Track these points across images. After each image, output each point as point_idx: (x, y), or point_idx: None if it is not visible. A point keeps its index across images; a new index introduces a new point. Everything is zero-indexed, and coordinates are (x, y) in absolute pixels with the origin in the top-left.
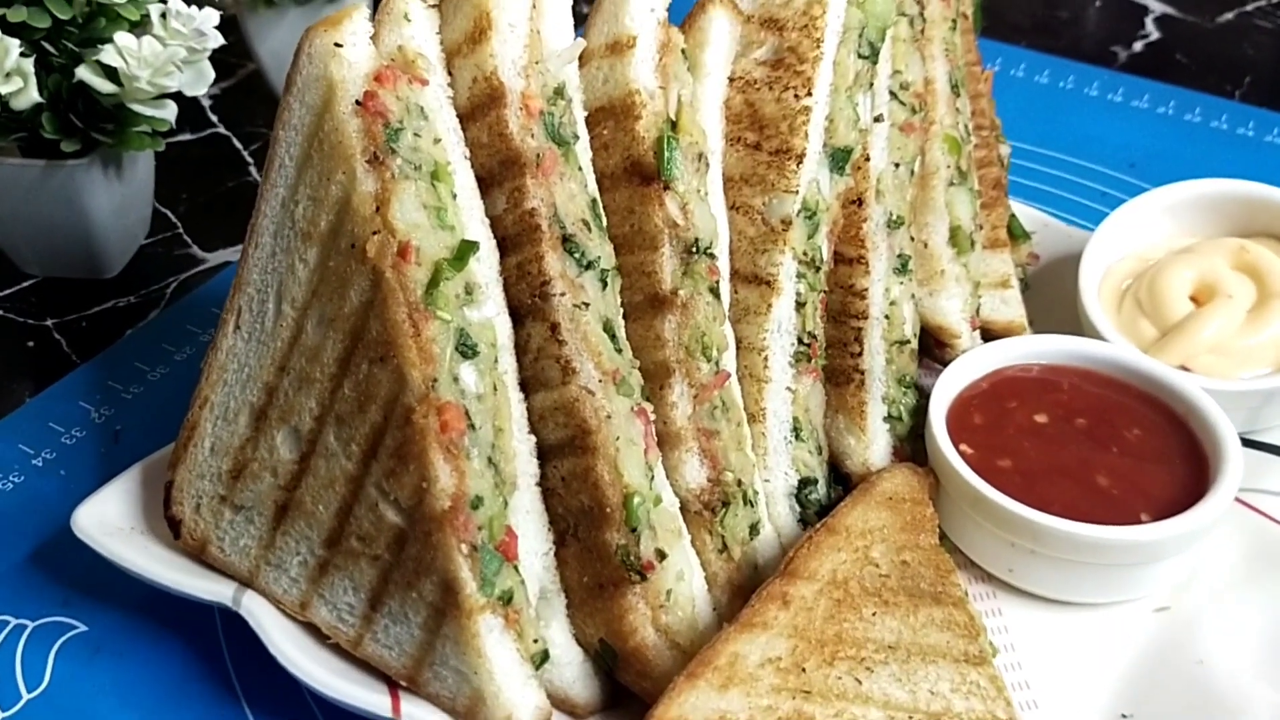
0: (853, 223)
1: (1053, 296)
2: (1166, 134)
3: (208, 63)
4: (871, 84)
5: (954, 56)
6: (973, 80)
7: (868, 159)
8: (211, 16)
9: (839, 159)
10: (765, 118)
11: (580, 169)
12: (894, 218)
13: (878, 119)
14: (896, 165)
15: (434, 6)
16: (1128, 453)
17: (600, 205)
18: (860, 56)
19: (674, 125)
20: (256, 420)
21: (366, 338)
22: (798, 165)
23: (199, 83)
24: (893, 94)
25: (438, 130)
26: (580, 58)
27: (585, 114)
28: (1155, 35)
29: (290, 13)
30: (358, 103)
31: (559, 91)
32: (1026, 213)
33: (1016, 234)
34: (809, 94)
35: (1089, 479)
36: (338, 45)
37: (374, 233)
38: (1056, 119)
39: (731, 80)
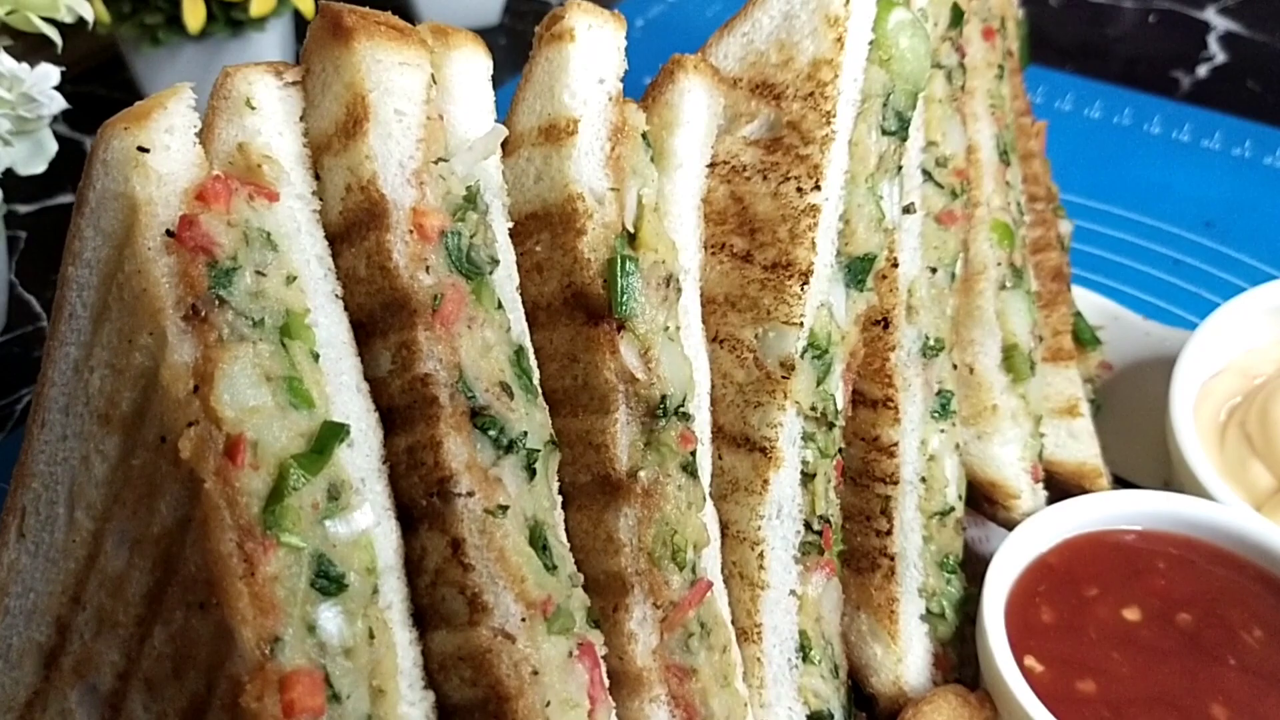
0: (877, 352)
1: (1132, 419)
2: (1246, 182)
3: (48, 132)
4: (900, 167)
5: (1001, 113)
6: (1022, 136)
7: (895, 265)
8: (50, 75)
9: (858, 271)
10: (758, 217)
11: (499, 306)
12: (931, 342)
13: (907, 209)
14: (933, 270)
15: (293, 84)
16: (1250, 666)
17: (530, 354)
18: (885, 133)
19: (631, 239)
20: (45, 667)
21: (182, 572)
22: (802, 286)
23: (36, 157)
24: (926, 174)
25: (292, 263)
26: (505, 142)
27: (511, 222)
28: (1221, 57)
29: (185, 50)
30: (169, 233)
31: (470, 198)
32: (1090, 302)
33: (1084, 339)
34: (817, 187)
35: (1200, 711)
36: (142, 150)
37: (190, 424)
38: (1113, 164)
39: (713, 166)
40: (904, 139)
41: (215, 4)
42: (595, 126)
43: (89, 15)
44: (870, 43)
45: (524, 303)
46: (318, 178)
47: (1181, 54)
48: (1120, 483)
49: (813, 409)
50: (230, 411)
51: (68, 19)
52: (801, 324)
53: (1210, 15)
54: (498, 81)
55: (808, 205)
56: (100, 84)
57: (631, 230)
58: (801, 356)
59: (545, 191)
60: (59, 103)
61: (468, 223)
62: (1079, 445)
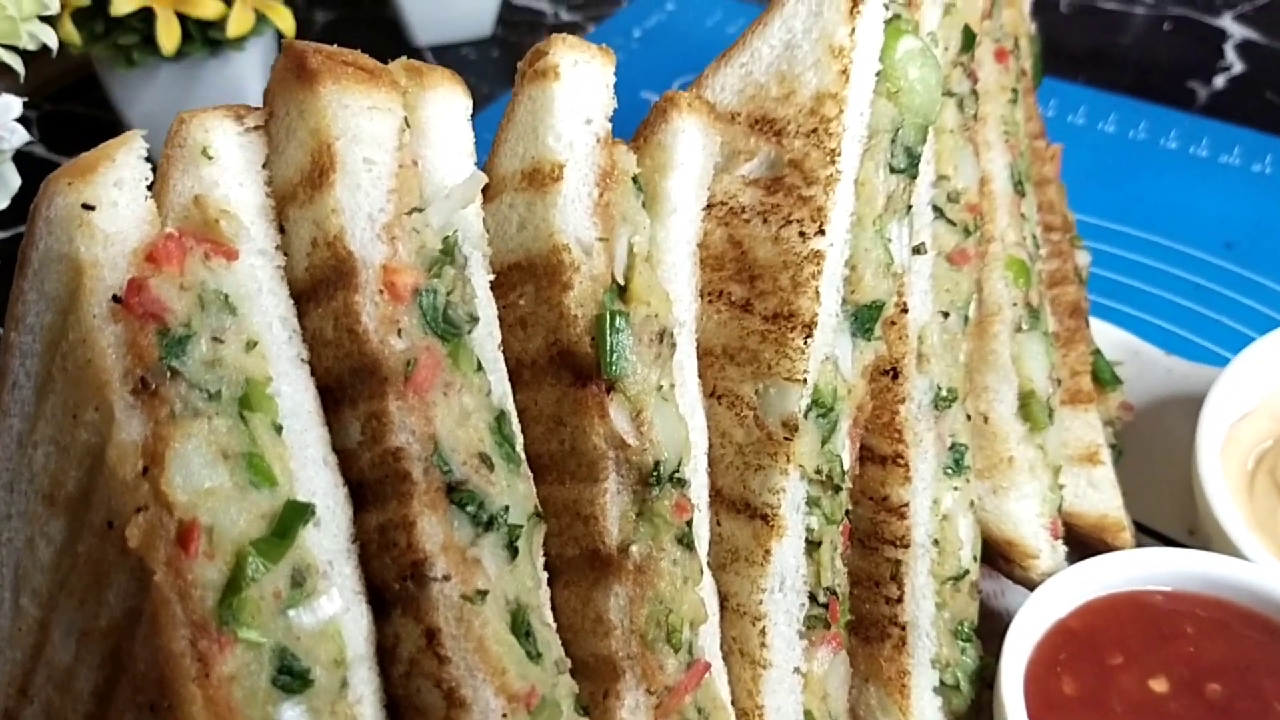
0: (885, 404)
1: (1155, 463)
2: (1268, 200)
3: (10, 166)
4: (909, 206)
5: (1015, 140)
6: (1036, 161)
7: (905, 310)
8: (10, 107)
9: (865, 320)
10: (758, 264)
11: (478, 368)
12: (943, 392)
13: (917, 250)
14: (945, 314)
15: (256, 129)
16: None
17: (512, 418)
18: (893, 171)
19: (622, 291)
20: None
21: (132, 670)
22: (805, 338)
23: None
24: (937, 210)
25: (253, 327)
26: (486, 187)
27: (493, 274)
28: (1239, 67)
29: (162, 71)
30: (116, 299)
31: (448, 251)
32: (1107, 336)
33: (1104, 379)
34: (820, 232)
35: None
36: (88, 208)
37: (139, 509)
38: (1128, 182)
39: (709, 207)
40: (914, 176)
41: (192, 24)
42: (582, 171)
43: (53, 42)
44: (877, 74)
45: (507, 360)
46: (282, 230)
47: (1197, 63)
48: (1142, 530)
49: (817, 472)
50: (182, 495)
51: (31, 46)
52: (805, 380)
53: (1226, 22)
54: (491, 96)
55: (811, 251)
56: (79, 101)
57: (622, 282)
58: (805, 416)
59: (529, 241)
60: (20, 136)
61: (444, 278)
62: (1100, 496)
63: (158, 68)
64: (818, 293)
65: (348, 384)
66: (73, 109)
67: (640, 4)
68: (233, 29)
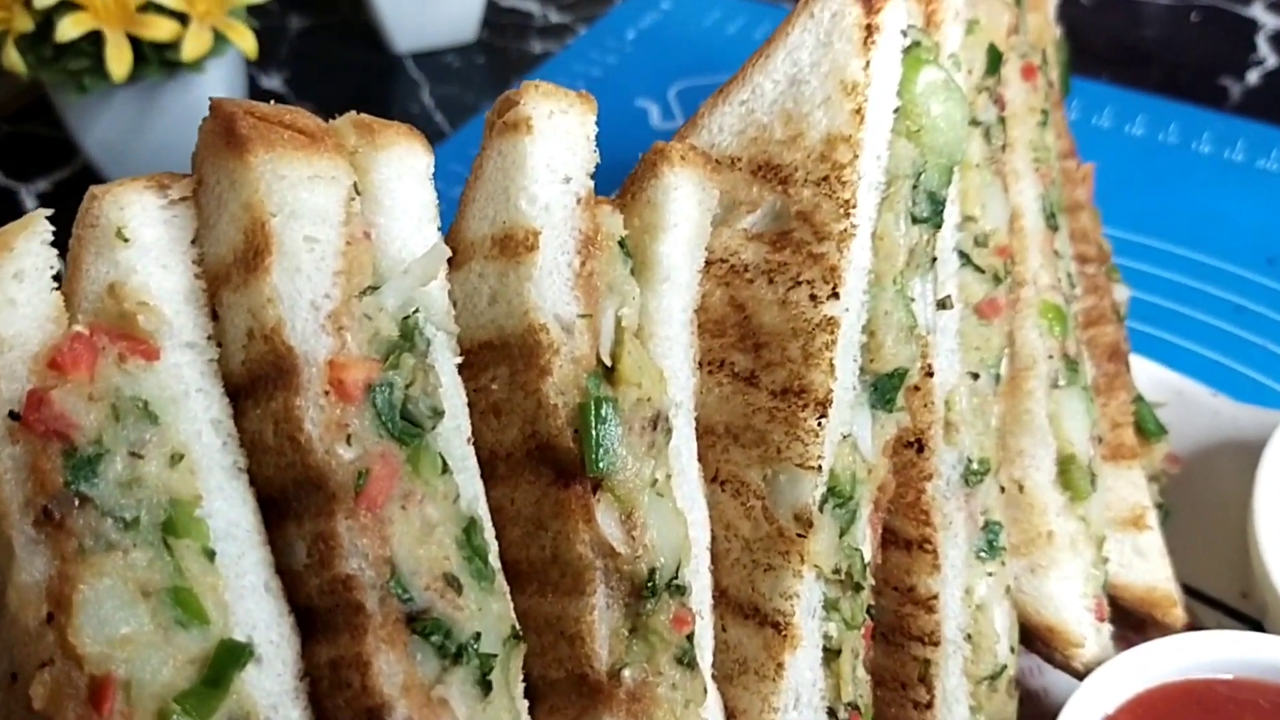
0: (910, 481)
1: (1203, 518)
2: None
3: None
4: (934, 259)
5: (1046, 168)
6: (1067, 184)
7: (930, 374)
8: None
9: (886, 390)
10: (764, 330)
11: (444, 470)
12: (974, 465)
13: (943, 304)
14: (975, 375)
15: (182, 201)
16: None
17: (485, 525)
18: (916, 220)
19: (609, 373)
20: None
21: None
22: (819, 418)
23: None
24: (964, 257)
25: (179, 436)
26: (454, 251)
27: (461, 354)
28: (1273, 61)
29: (117, 96)
30: (14, 415)
31: (407, 335)
32: (1147, 374)
33: (1148, 430)
34: (834, 295)
35: None
36: None
37: (44, 663)
38: (1159, 188)
39: (708, 265)
40: (938, 225)
41: (146, 46)
42: (560, 238)
43: None
44: (896, 111)
45: (479, 451)
46: (216, 317)
47: (1229, 58)
48: (1190, 593)
49: (835, 571)
50: (93, 645)
51: None
52: (819, 467)
53: (1258, 11)
54: (475, 107)
55: (823, 318)
56: (39, 122)
57: (609, 363)
58: (820, 508)
59: (502, 317)
60: None
61: (402, 369)
62: (1148, 566)
63: (112, 93)
64: (832, 365)
65: (291, 496)
66: (34, 130)
67: (634, 3)
68: (188, 51)
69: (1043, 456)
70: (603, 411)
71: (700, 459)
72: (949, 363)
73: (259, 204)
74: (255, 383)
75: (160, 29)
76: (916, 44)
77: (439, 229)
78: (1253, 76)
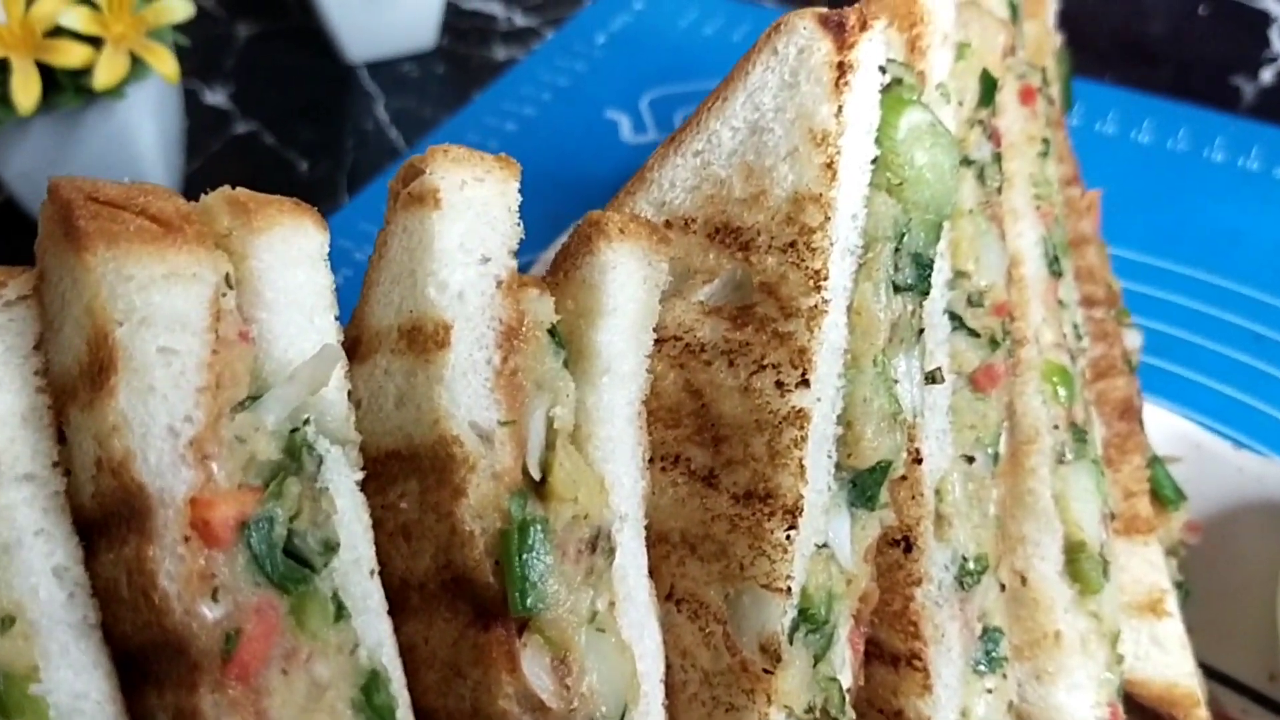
0: (896, 587)
1: (1225, 593)
2: None
3: None
4: (920, 330)
5: (1049, 205)
6: (1071, 215)
7: (918, 461)
8: None
9: (867, 486)
10: (724, 421)
11: (339, 616)
12: (970, 564)
13: (931, 379)
14: (970, 459)
15: (20, 301)
16: None
17: (391, 675)
18: (899, 289)
19: (539, 487)
20: None
21: None
22: (788, 530)
23: None
24: (956, 320)
25: (11, 594)
26: (357, 340)
27: (363, 470)
28: None
29: (34, 125)
30: None
31: (294, 453)
32: (1161, 426)
33: (1166, 497)
34: (804, 382)
35: None
36: None
37: None
38: (1167, 202)
39: (660, 343)
40: (925, 292)
41: (61, 73)
42: (477, 330)
43: None
44: (874, 162)
45: (389, 578)
46: (64, 439)
47: (1241, 54)
48: (1211, 676)
49: (809, 710)
50: None
51: None
52: (788, 589)
53: (1270, 3)
54: (435, 120)
55: (792, 410)
56: None
57: (538, 475)
58: (790, 637)
59: (410, 424)
60: None
61: (286, 498)
62: (1167, 659)
63: (28, 123)
64: (802, 466)
65: (152, 658)
66: None
67: (605, 3)
68: (101, 78)
69: (1048, 544)
70: (529, 539)
71: (653, 573)
72: (940, 446)
73: (102, 311)
74: (108, 520)
75: (71, 55)
76: (898, 81)
77: (337, 318)
78: (1267, 75)
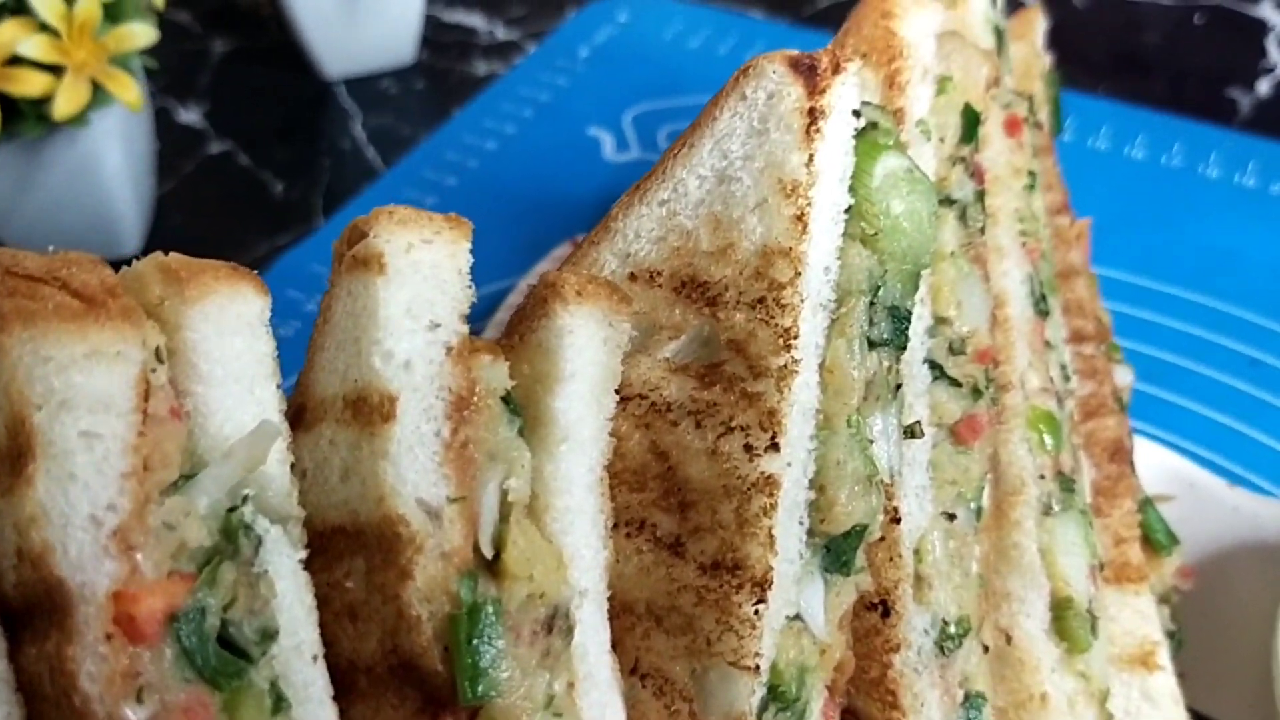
0: (873, 653)
1: (1219, 639)
2: None
3: None
4: (898, 386)
5: (1035, 241)
6: (1060, 246)
7: (897, 520)
8: None
9: (842, 551)
10: (691, 486)
11: (278, 707)
12: (951, 627)
13: (911, 433)
14: (951, 516)
15: None
16: None
17: None
18: (875, 344)
19: (492, 565)
20: None
21: None
22: (757, 603)
23: None
24: (936, 369)
25: None
26: (302, 409)
27: (312, 536)
28: None
29: None
30: None
31: (231, 534)
32: (1152, 463)
33: (1158, 543)
34: (773, 445)
35: None
36: None
37: None
38: (1160, 221)
39: (625, 400)
40: (902, 346)
41: (22, 101)
42: (425, 401)
43: None
44: (848, 211)
45: (335, 659)
46: None
47: (1237, 65)
48: None
49: None
50: None
51: None
52: (756, 666)
53: (1267, 11)
54: (412, 140)
55: (761, 476)
56: None
57: (490, 553)
58: (759, 717)
59: (355, 499)
60: None
61: (220, 585)
62: (1159, 714)
63: None
64: (771, 536)
65: None
66: None
67: (588, 15)
68: (61, 108)
69: (1034, 600)
70: (479, 623)
71: (617, 645)
72: (919, 504)
73: (19, 395)
74: (31, 612)
75: (30, 84)
76: (873, 125)
77: (279, 387)
78: (1263, 86)
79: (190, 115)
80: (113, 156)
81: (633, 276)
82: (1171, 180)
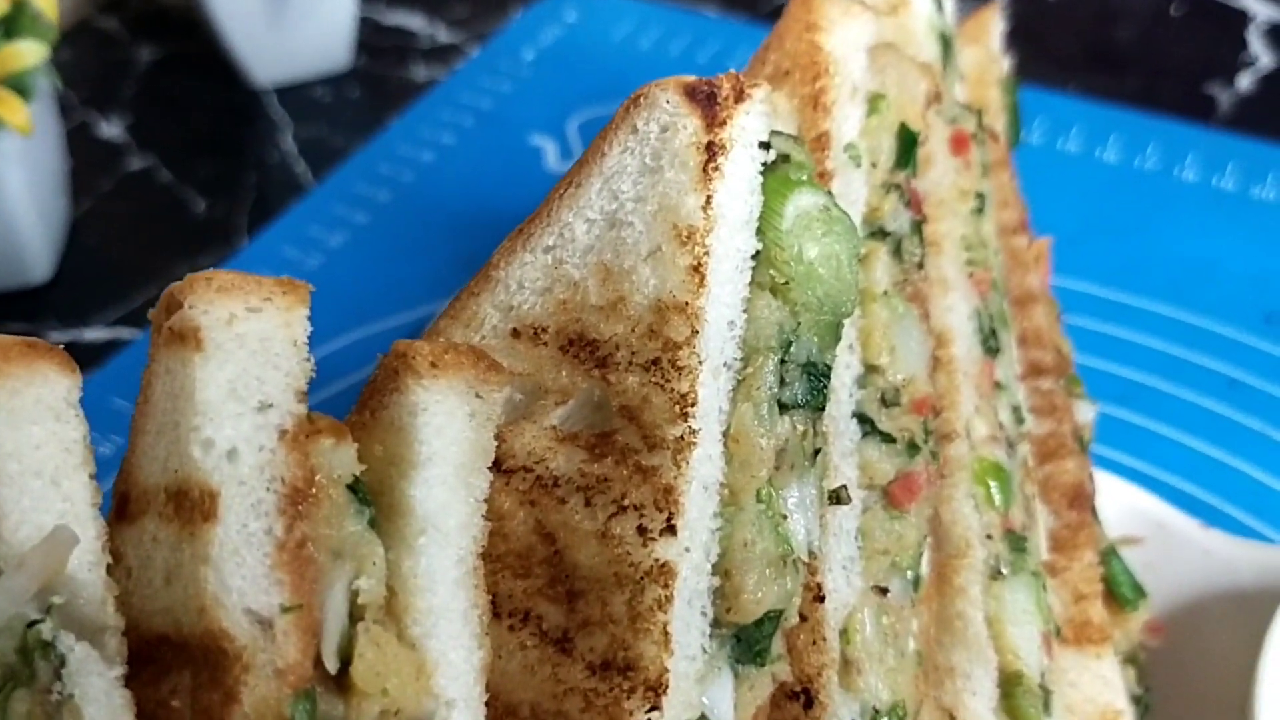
0: None
1: (1190, 700)
2: None
3: None
4: (816, 451)
5: (984, 270)
6: (1016, 270)
7: (820, 599)
8: None
9: (755, 641)
10: (580, 573)
11: None
12: (885, 716)
13: (836, 498)
14: (883, 590)
15: None
16: None
17: None
18: (786, 407)
19: (339, 680)
20: None
21: None
22: (650, 708)
23: None
24: (867, 425)
25: None
26: (128, 495)
27: (136, 643)
28: (1267, 60)
29: None
30: None
31: (28, 653)
32: (1119, 502)
33: (1123, 597)
34: (669, 527)
35: None
36: None
37: None
38: (1133, 231)
39: (509, 473)
40: (820, 407)
41: None
42: (253, 496)
43: None
44: (755, 258)
45: None
46: None
47: (1216, 59)
48: None
49: None
50: None
51: None
52: None
53: (1249, 1)
54: (346, 150)
55: (654, 564)
56: None
57: (334, 667)
58: None
59: (179, 607)
60: None
61: (12, 713)
62: None
63: None
64: (667, 633)
65: None
66: None
67: (534, 15)
68: None
69: (980, 676)
70: None
71: None
72: (846, 579)
73: None
74: None
75: None
76: (785, 158)
77: (93, 476)
78: (1244, 81)
79: (112, 129)
80: (14, 180)
81: (516, 333)
82: (1145, 184)
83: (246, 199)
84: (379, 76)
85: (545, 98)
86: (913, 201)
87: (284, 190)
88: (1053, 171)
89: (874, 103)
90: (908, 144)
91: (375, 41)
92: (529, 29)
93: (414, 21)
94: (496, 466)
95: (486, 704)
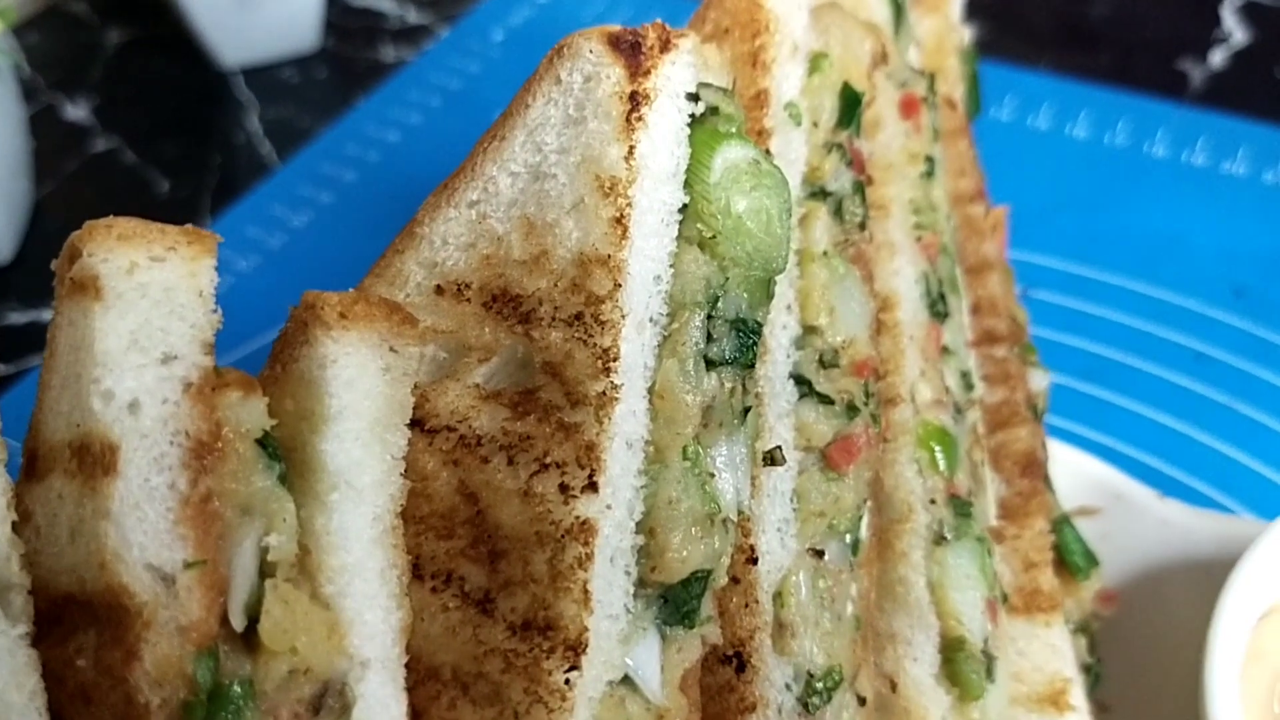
0: (726, 714)
1: (1144, 673)
2: None
3: None
4: (746, 409)
5: (933, 235)
6: (972, 237)
7: (753, 560)
8: None
9: (683, 602)
10: (502, 533)
11: None
12: (818, 681)
13: (772, 459)
14: (819, 553)
15: None
16: None
17: None
18: (713, 363)
19: (247, 639)
20: None
21: None
22: (569, 669)
23: None
24: (804, 385)
25: None
26: (35, 452)
27: (44, 602)
28: (1241, 39)
29: None
30: None
31: None
32: (1074, 470)
33: (1074, 566)
34: (591, 484)
35: None
36: None
37: None
38: (1101, 207)
39: (434, 432)
40: (749, 364)
41: None
42: (155, 449)
43: None
44: (681, 211)
45: None
46: None
47: (1189, 35)
48: None
49: None
50: None
51: None
52: None
53: None
54: (312, 131)
55: (575, 521)
56: None
57: (243, 624)
58: None
59: (82, 564)
60: None
61: None
62: None
63: None
64: (586, 592)
65: None
66: None
67: None
68: None
69: (922, 642)
70: (223, 710)
71: (421, 716)
72: (781, 540)
73: None
74: None
75: None
76: (714, 110)
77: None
78: (1217, 57)
79: (78, 111)
80: None
81: (439, 289)
82: (1116, 160)
83: (211, 180)
84: (347, 57)
85: (514, 79)
86: (855, 162)
87: (249, 171)
88: (1023, 148)
89: (816, 61)
90: (850, 104)
91: (344, 22)
92: (498, 10)
93: (383, 2)
94: (419, 426)
95: (408, 666)
